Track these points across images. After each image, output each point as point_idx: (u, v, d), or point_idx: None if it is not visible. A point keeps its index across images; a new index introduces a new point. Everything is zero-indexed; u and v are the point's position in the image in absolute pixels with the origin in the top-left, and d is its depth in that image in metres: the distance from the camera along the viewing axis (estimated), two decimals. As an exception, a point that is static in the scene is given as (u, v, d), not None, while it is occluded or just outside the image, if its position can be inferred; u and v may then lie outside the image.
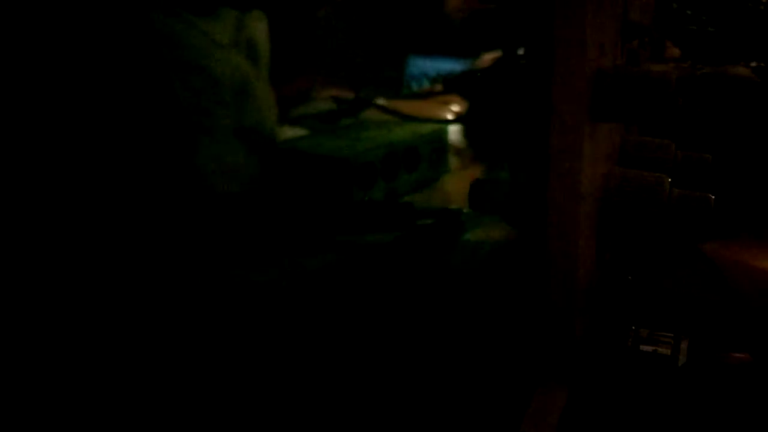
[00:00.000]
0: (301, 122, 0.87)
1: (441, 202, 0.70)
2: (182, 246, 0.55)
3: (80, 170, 0.52)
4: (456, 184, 0.74)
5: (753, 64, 0.76)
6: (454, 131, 0.86)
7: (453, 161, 0.78)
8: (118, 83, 0.56)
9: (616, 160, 0.45)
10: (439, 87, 1.12)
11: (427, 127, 0.75)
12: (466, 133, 0.88)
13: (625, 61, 0.46)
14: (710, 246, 0.58)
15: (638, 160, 0.45)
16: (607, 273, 0.44)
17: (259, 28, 0.70)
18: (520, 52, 0.87)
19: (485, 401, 0.40)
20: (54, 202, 0.50)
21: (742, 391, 0.41)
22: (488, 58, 1.04)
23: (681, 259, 0.54)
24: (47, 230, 0.49)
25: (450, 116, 0.96)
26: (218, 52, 0.64)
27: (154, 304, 0.48)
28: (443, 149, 0.75)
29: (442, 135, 0.75)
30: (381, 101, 1.01)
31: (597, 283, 0.41)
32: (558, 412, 0.35)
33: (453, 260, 0.58)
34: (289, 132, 0.80)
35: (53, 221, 0.50)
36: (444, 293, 0.52)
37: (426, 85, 1.15)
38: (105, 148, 0.54)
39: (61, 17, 0.51)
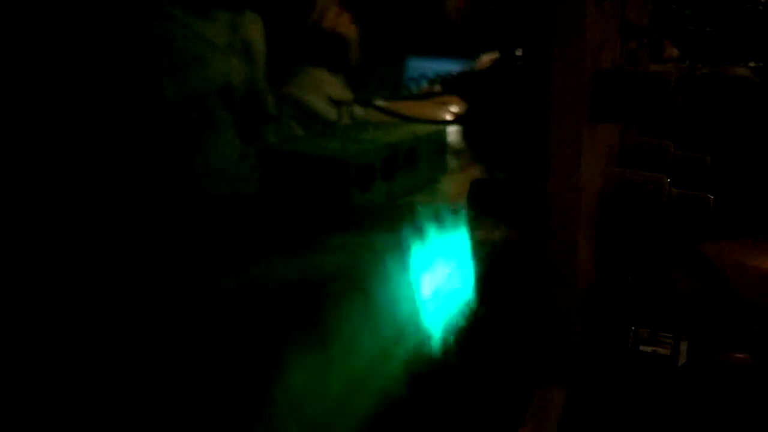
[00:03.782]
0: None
1: (440, 202, 0.70)
2: (178, 247, 0.55)
3: (70, 173, 0.52)
4: (455, 185, 0.73)
5: (752, 64, 0.76)
6: (453, 132, 0.86)
7: (452, 162, 0.78)
8: (108, 87, 0.55)
9: (615, 160, 0.45)
10: (437, 88, 1.12)
11: (426, 128, 0.75)
12: (465, 133, 0.88)
13: (624, 61, 0.46)
14: (709, 246, 0.58)
15: (637, 160, 0.45)
16: (607, 273, 0.44)
17: (254, 29, 0.70)
18: (519, 52, 0.87)
19: (485, 401, 0.40)
20: (48, 205, 0.50)
21: (741, 392, 0.41)
22: (487, 58, 1.04)
23: (680, 259, 0.54)
24: (44, 232, 0.49)
25: (449, 117, 0.96)
26: (213, 55, 0.64)
27: (155, 304, 0.48)
28: (442, 150, 0.75)
29: (441, 136, 0.75)
30: (380, 102, 1.01)
31: (597, 283, 0.41)
32: (558, 412, 0.35)
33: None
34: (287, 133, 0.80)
35: (49, 223, 0.50)
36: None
37: (425, 85, 1.15)
38: (96, 152, 0.54)
39: (50, 18, 0.51)
